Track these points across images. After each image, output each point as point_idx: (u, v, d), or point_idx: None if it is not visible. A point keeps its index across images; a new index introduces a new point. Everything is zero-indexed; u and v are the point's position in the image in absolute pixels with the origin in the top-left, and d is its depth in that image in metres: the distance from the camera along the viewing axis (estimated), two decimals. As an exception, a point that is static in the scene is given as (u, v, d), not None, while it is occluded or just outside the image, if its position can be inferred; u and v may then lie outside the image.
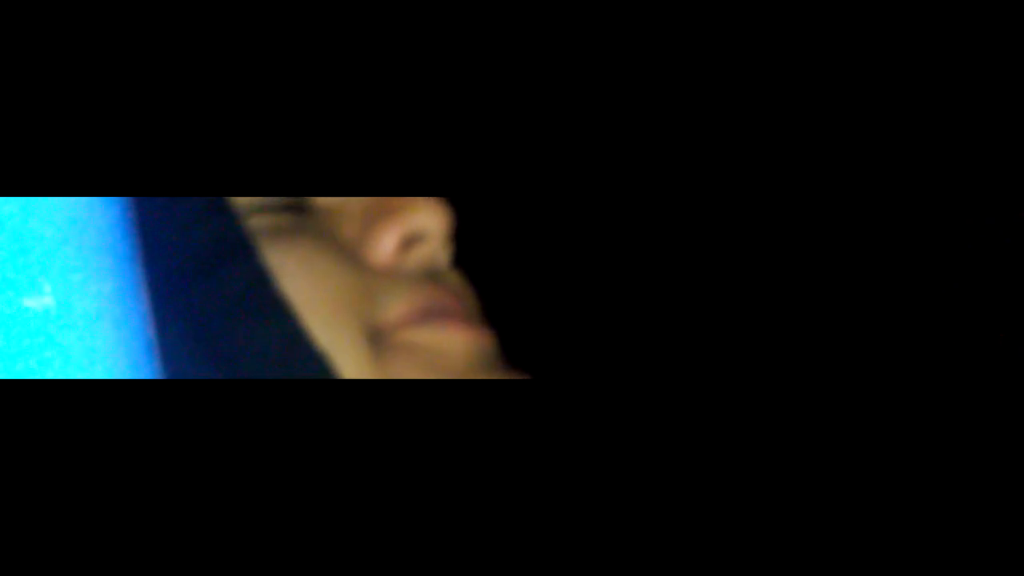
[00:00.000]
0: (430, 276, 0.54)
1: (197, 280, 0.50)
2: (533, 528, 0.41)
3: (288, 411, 0.40)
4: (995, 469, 0.41)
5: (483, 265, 0.59)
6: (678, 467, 0.41)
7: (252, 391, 0.39)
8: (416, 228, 0.53)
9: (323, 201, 0.54)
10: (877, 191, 0.41)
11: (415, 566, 0.40)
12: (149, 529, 0.38)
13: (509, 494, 0.41)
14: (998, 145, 0.41)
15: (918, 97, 0.41)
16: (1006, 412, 0.41)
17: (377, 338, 0.52)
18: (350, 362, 0.50)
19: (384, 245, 0.53)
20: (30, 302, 0.34)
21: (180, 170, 0.39)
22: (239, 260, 0.50)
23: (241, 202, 0.52)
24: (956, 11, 0.41)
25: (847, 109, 0.41)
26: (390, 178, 0.42)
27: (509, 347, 0.54)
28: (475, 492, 0.41)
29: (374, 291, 0.52)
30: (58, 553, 0.37)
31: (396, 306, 0.52)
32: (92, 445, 0.37)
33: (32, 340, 0.34)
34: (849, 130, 0.41)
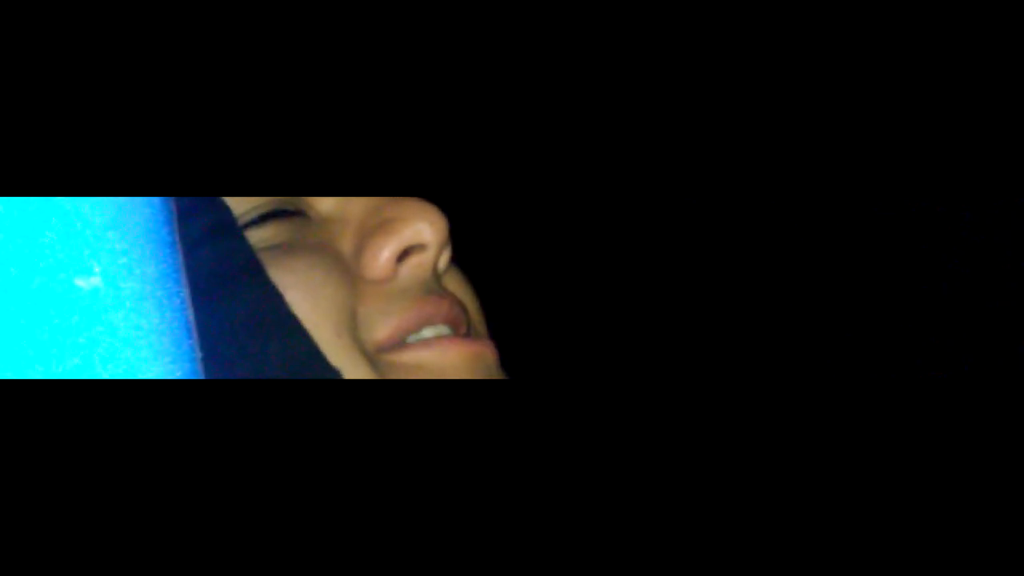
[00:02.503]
0: (427, 285, 0.55)
1: (203, 300, 0.51)
2: (527, 532, 0.41)
3: (279, 413, 0.40)
4: (994, 469, 0.42)
5: (479, 270, 0.61)
6: (677, 471, 0.42)
7: (251, 392, 0.41)
8: (412, 241, 0.54)
9: (322, 210, 0.55)
10: (875, 190, 0.43)
11: (419, 568, 0.41)
12: (164, 528, 0.38)
13: (503, 499, 0.41)
14: (998, 143, 0.42)
15: (917, 96, 0.42)
16: (1006, 411, 0.42)
17: (376, 355, 0.53)
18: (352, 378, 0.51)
19: (380, 260, 0.54)
20: (80, 282, 0.37)
21: (199, 170, 0.41)
22: (242, 283, 0.51)
23: (239, 213, 0.53)
24: (956, 10, 0.41)
25: (847, 109, 0.42)
26: (398, 178, 0.43)
27: (507, 356, 0.56)
28: (471, 497, 0.41)
29: (371, 306, 0.53)
30: (60, 554, 0.38)
31: (392, 320, 0.53)
32: (101, 445, 0.38)
33: (82, 317, 0.37)
34: (849, 130, 0.42)
